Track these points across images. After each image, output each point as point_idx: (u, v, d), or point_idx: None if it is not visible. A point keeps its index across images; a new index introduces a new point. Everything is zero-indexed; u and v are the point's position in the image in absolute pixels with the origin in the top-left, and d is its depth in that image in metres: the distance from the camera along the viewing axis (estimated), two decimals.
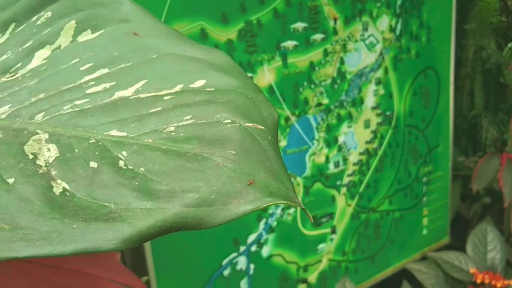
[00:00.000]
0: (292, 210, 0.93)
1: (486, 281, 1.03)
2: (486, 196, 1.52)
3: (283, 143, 0.90)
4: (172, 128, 0.18)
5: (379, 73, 1.02)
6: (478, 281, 1.03)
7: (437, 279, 1.13)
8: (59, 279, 0.25)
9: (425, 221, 1.21)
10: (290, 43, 0.86)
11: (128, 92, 0.20)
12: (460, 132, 1.70)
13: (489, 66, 1.73)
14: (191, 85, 0.20)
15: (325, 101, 0.94)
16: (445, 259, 1.14)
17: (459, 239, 1.38)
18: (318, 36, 0.90)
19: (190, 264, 0.82)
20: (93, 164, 0.17)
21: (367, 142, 1.03)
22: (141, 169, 0.17)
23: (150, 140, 0.17)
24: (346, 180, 1.01)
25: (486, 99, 1.82)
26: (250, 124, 0.18)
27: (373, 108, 1.03)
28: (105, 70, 0.21)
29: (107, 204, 0.17)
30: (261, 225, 0.90)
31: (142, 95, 0.20)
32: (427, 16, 1.08)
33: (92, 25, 0.23)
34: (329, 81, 0.94)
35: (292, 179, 0.92)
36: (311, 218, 0.25)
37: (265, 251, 0.91)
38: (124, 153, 0.17)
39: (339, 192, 1.00)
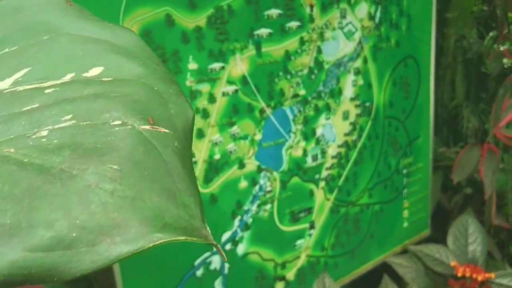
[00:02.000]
0: (268, 206, 0.90)
1: (467, 274, 1.01)
2: (467, 186, 1.51)
3: (258, 136, 0.86)
4: (45, 133, 0.14)
5: (358, 63, 0.98)
6: (459, 274, 1.02)
7: (417, 273, 1.12)
8: None
9: (405, 213, 1.19)
10: (264, 31, 0.82)
11: (4, 84, 0.16)
12: (441, 123, 1.68)
13: (470, 56, 1.71)
14: (85, 74, 0.16)
15: (302, 92, 0.90)
16: (425, 252, 1.12)
17: (440, 230, 1.37)
18: (293, 24, 0.86)
19: (160, 264, 0.78)
20: None
21: (346, 134, 1.00)
22: None
23: (12, 150, 0.13)
24: (324, 173, 0.97)
25: (467, 89, 1.81)
26: (147, 127, 0.14)
27: (352, 99, 0.99)
28: None
29: None
30: (236, 222, 0.86)
31: (20, 88, 0.15)
32: (407, 3, 1.04)
33: None
34: (306, 71, 0.90)
35: (269, 174, 0.89)
36: (225, 258, 0.20)
37: (241, 249, 0.87)
38: None
39: (317, 186, 0.97)
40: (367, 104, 1.02)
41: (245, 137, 0.84)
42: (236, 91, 0.81)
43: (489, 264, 1.19)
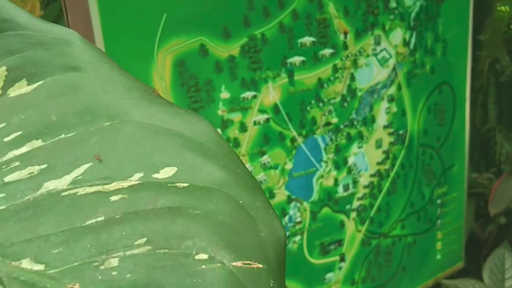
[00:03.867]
0: (298, 238, 0.87)
1: None
2: (502, 216, 1.45)
3: (289, 165, 0.83)
4: (115, 262, 0.12)
5: (392, 90, 0.95)
6: None
7: None
8: None
9: (438, 245, 1.14)
10: (297, 59, 0.80)
11: (61, 183, 0.14)
12: (473, 147, 1.62)
13: (503, 79, 1.66)
14: (155, 175, 0.14)
15: (334, 120, 0.88)
16: (460, 287, 1.07)
17: (473, 261, 1.30)
18: (327, 51, 0.84)
19: None
20: None
21: (378, 163, 0.96)
22: None
23: (77, 286, 0.11)
24: (356, 204, 0.94)
25: (499, 113, 1.75)
26: (239, 263, 0.12)
27: (385, 127, 0.96)
28: (38, 143, 0.15)
29: None
30: None
31: (81, 191, 0.13)
32: (442, 28, 1.01)
33: (28, 73, 0.17)
34: (338, 98, 0.87)
35: (299, 204, 0.86)
36: None
37: None
38: None
39: (348, 217, 0.93)
40: (401, 132, 0.99)
41: (275, 167, 0.82)
42: (268, 119, 0.79)
43: None
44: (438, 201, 1.11)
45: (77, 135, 0.15)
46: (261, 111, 0.78)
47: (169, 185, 0.13)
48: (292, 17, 0.78)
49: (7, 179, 0.14)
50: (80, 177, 0.14)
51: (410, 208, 1.04)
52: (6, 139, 0.15)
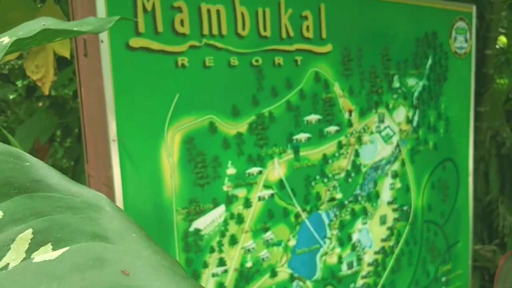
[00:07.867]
0: None
1: None
2: None
3: (292, 242, 0.82)
4: None
5: (396, 166, 0.96)
6: None
7: None
8: None
9: None
10: (303, 136, 0.81)
11: None
12: (475, 218, 1.61)
13: (504, 151, 1.67)
14: None
15: (339, 195, 0.87)
16: None
17: None
18: (332, 128, 0.85)
19: None
20: None
21: (383, 240, 0.95)
22: None
23: None
24: (360, 282, 0.91)
25: (502, 184, 1.75)
26: None
27: (390, 203, 0.96)
28: None
29: None
30: None
31: None
32: (445, 107, 1.03)
33: (54, 237, 0.16)
34: (343, 174, 0.87)
35: (301, 283, 0.83)
36: None
37: None
38: None
39: None
40: (405, 208, 0.98)
41: (278, 243, 0.80)
42: (272, 195, 0.79)
43: None
44: (443, 279, 1.08)
45: None
46: (266, 186, 0.78)
47: None
48: (299, 96, 0.80)
49: None
50: None
51: (415, 286, 1.01)
52: None
